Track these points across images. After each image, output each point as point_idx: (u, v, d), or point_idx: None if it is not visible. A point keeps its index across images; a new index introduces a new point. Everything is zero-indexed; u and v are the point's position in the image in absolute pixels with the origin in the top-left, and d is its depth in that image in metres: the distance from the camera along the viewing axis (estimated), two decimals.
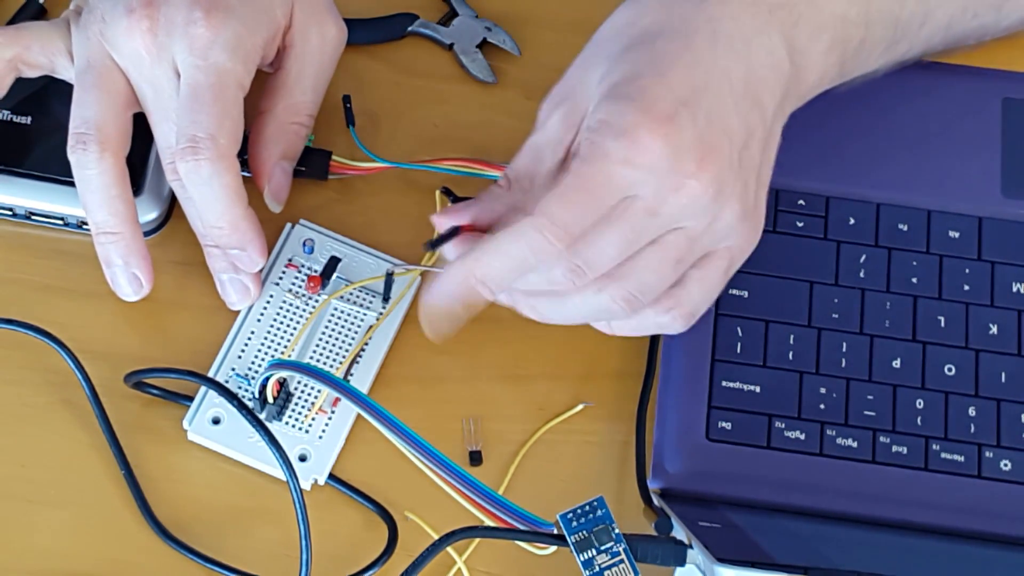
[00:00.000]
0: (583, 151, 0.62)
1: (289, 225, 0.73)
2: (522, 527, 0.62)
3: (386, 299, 0.72)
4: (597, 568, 0.60)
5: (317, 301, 0.72)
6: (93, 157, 0.67)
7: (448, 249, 0.66)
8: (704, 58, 0.64)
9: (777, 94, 0.66)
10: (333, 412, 0.69)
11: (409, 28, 0.79)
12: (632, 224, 0.63)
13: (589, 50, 0.67)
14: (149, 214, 0.72)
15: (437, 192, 0.72)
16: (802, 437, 0.70)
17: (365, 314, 0.72)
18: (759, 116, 0.65)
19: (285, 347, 0.70)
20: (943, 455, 0.70)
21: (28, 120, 0.73)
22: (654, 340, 0.72)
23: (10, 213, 0.72)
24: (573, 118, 0.65)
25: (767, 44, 0.65)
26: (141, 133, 0.70)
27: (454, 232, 0.65)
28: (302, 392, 0.70)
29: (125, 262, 0.69)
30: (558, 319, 0.67)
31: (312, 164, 0.74)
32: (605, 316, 0.67)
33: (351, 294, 0.72)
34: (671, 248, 0.64)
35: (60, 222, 0.72)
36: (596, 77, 0.64)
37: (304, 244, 0.73)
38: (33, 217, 0.72)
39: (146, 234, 0.73)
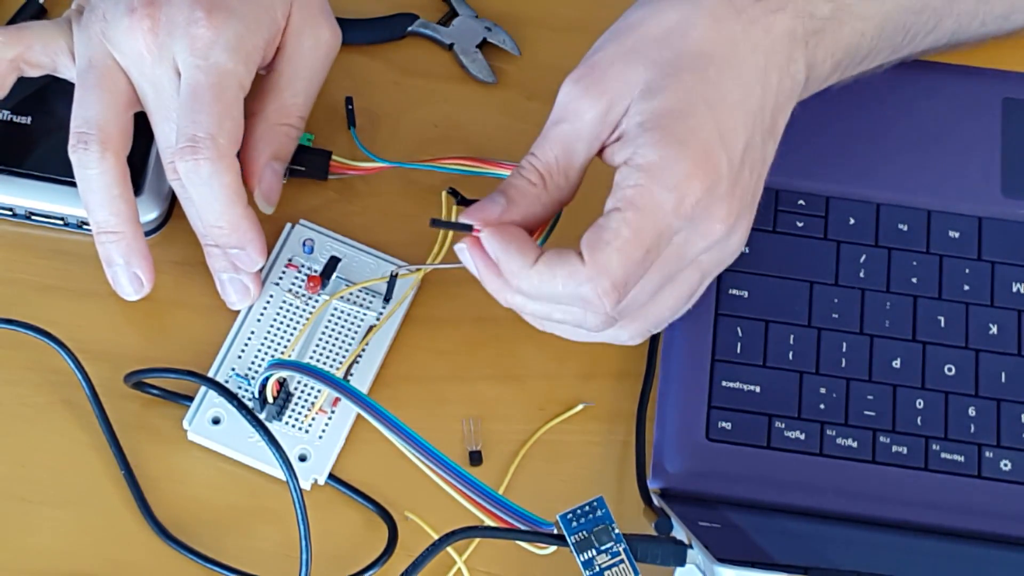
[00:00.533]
0: (634, 197, 0.62)
1: (289, 225, 0.73)
2: (522, 527, 0.62)
3: (387, 299, 0.72)
4: (597, 568, 0.60)
5: (317, 301, 0.72)
6: (95, 157, 0.67)
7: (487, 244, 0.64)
8: (749, 94, 0.64)
9: (788, 115, 0.67)
10: (333, 412, 0.69)
11: (409, 28, 0.79)
12: (662, 270, 0.64)
13: (626, 41, 0.65)
14: (149, 214, 0.72)
15: (443, 193, 0.72)
16: (802, 437, 0.70)
17: (365, 314, 0.72)
18: (773, 145, 0.66)
19: (285, 347, 0.70)
20: (943, 455, 0.70)
21: (28, 120, 0.73)
22: (654, 340, 0.72)
23: (10, 213, 0.72)
24: (611, 117, 0.64)
25: (793, 71, 0.66)
26: (142, 132, 0.70)
27: (468, 228, 0.64)
28: (302, 392, 0.70)
29: (126, 261, 0.69)
30: (564, 336, 0.68)
31: (312, 164, 0.74)
32: (614, 342, 0.68)
33: (351, 294, 0.72)
34: (686, 284, 0.66)
35: (60, 222, 0.72)
36: (639, 79, 0.64)
37: (304, 244, 0.73)
38: (33, 217, 0.72)
39: (146, 234, 0.73)
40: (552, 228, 0.66)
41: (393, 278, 0.71)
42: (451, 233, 0.72)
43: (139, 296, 0.70)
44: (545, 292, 0.63)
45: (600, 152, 0.65)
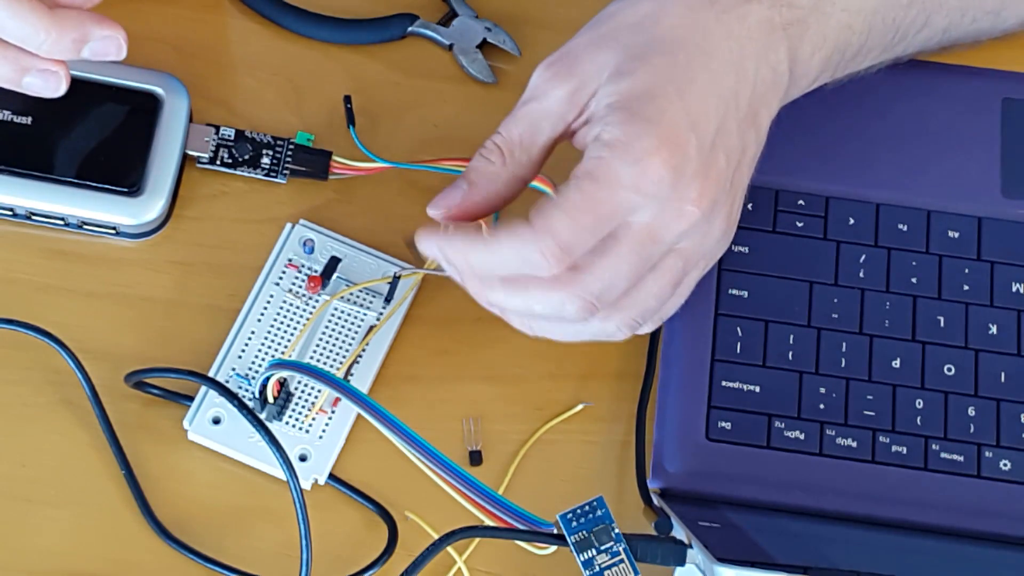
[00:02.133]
0: (592, 168, 0.62)
1: (289, 225, 0.73)
2: (522, 527, 0.62)
3: (389, 300, 0.72)
4: (597, 568, 0.60)
5: (317, 301, 0.72)
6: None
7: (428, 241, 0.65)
8: (720, 80, 0.64)
9: (774, 109, 0.67)
10: (333, 412, 0.69)
11: (409, 28, 0.79)
12: (638, 252, 0.63)
13: (600, 28, 0.65)
14: (149, 214, 0.72)
15: None
16: (802, 437, 0.70)
17: (366, 314, 0.72)
18: (755, 136, 0.66)
19: (285, 347, 0.71)
20: (943, 455, 0.70)
21: (28, 120, 0.73)
22: (654, 340, 0.72)
23: (10, 213, 0.72)
24: (579, 98, 0.64)
25: (774, 61, 0.66)
26: (142, 132, 0.70)
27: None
28: (302, 392, 0.70)
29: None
30: (553, 337, 0.67)
31: (312, 164, 0.74)
32: (602, 338, 0.67)
33: (352, 294, 0.72)
34: (668, 272, 0.65)
35: (60, 222, 0.73)
36: (609, 61, 0.64)
37: (304, 244, 0.73)
38: (33, 217, 0.72)
39: (147, 234, 0.73)
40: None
41: (396, 279, 0.71)
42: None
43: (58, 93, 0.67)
44: (497, 262, 0.63)
45: (571, 137, 0.65)
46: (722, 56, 0.64)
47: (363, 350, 0.71)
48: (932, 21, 0.72)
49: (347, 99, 0.75)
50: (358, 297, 0.72)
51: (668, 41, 0.64)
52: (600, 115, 0.63)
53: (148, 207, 0.72)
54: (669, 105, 0.62)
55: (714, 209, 0.64)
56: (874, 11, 0.69)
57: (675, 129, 0.62)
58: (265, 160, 0.74)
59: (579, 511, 0.61)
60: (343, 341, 0.71)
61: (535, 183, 0.69)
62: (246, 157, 0.74)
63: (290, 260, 0.72)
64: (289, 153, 0.74)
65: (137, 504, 0.68)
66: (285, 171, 0.74)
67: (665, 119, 0.62)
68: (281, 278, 0.72)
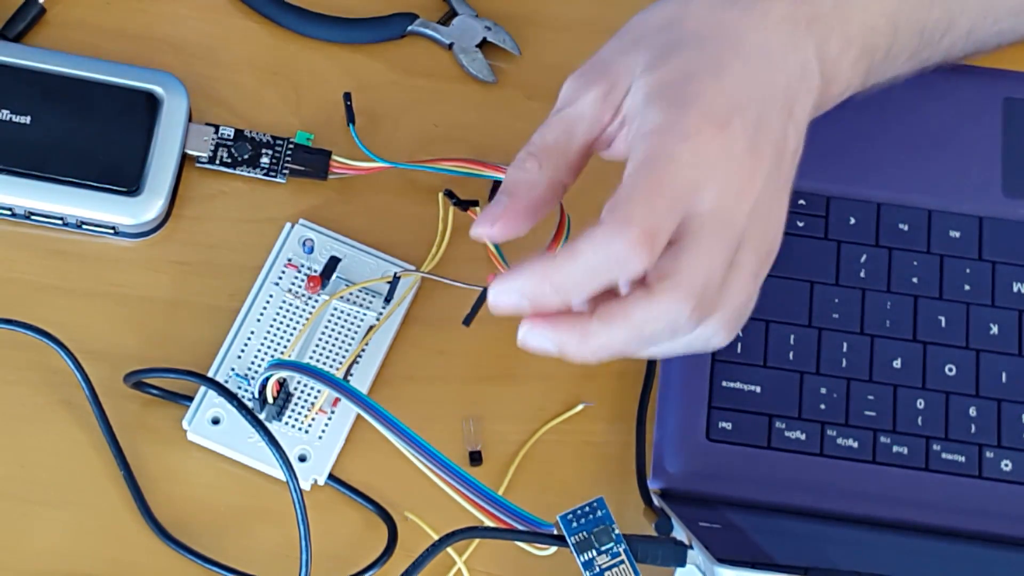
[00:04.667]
0: (645, 154, 0.60)
1: (289, 224, 0.73)
2: (522, 528, 0.62)
3: (388, 300, 0.72)
4: (597, 569, 0.60)
5: (317, 301, 0.72)
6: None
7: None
8: (753, 67, 0.63)
9: (808, 107, 0.66)
10: (333, 412, 0.69)
11: (409, 28, 0.78)
12: (718, 237, 0.61)
13: (627, 36, 0.65)
14: (149, 214, 0.72)
15: (440, 194, 0.72)
16: (802, 437, 0.70)
17: (365, 314, 0.72)
18: (794, 129, 0.65)
19: (285, 347, 0.70)
20: (944, 455, 0.70)
21: (27, 119, 0.73)
22: None
23: (9, 213, 0.72)
24: (613, 98, 0.63)
25: (802, 58, 0.65)
26: (139, 131, 0.70)
27: (483, 295, 0.64)
28: (302, 392, 0.70)
29: None
30: (661, 355, 0.65)
31: (312, 164, 0.74)
32: (704, 347, 0.64)
33: (351, 294, 0.72)
34: (748, 264, 0.62)
35: (60, 222, 0.72)
36: (639, 61, 0.63)
37: (304, 244, 0.73)
38: (32, 217, 0.72)
39: (146, 234, 0.73)
40: (567, 238, 0.66)
41: (396, 279, 0.71)
42: (449, 231, 0.72)
43: None
44: (582, 271, 0.60)
45: (608, 145, 0.64)
46: (751, 47, 0.64)
47: (362, 350, 0.71)
48: (956, 23, 0.72)
49: (347, 96, 0.75)
50: (358, 297, 0.72)
51: (696, 36, 0.64)
52: (637, 109, 0.62)
53: (147, 207, 0.72)
54: (706, 88, 0.62)
55: (768, 191, 0.62)
56: (897, 10, 0.69)
57: (716, 108, 0.61)
58: (264, 159, 0.74)
59: (579, 512, 0.61)
60: (343, 341, 0.71)
61: (495, 173, 0.69)
62: (245, 157, 0.74)
63: (289, 260, 0.72)
64: (288, 152, 0.74)
65: (136, 504, 0.68)
66: (284, 171, 0.74)
67: (704, 100, 0.61)
68: (280, 278, 0.72)
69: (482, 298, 0.65)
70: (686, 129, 0.60)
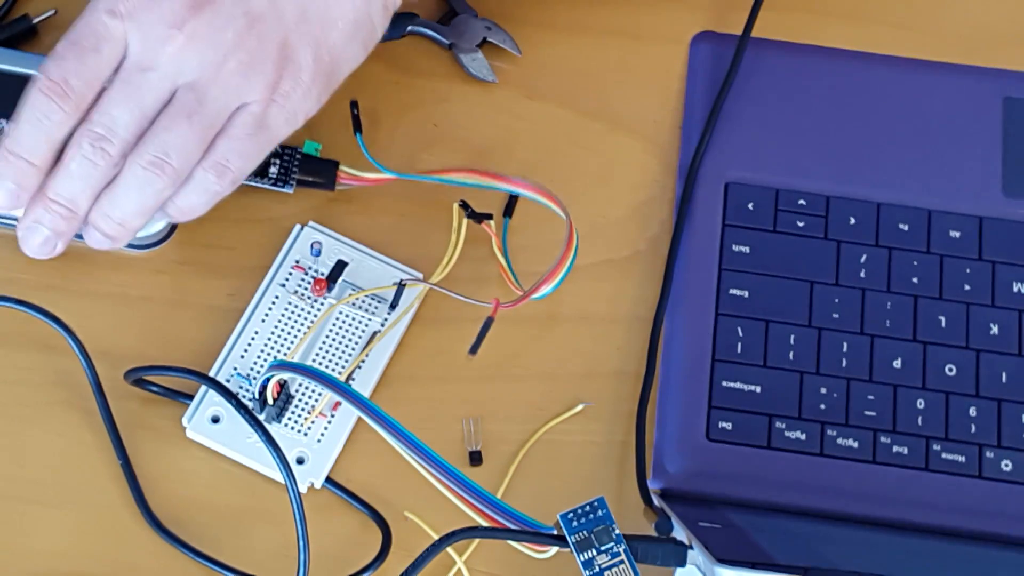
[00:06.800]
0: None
1: (299, 226, 0.73)
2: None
3: (393, 306, 0.72)
4: (597, 568, 0.60)
5: (323, 305, 0.71)
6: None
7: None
8: None
9: None
10: (333, 416, 0.69)
11: (409, 28, 0.78)
12: (129, 80, 0.65)
13: None
14: (157, 225, 0.72)
15: (455, 205, 0.72)
16: (803, 437, 0.70)
17: (370, 320, 0.71)
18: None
19: (288, 349, 0.70)
20: (944, 455, 0.70)
21: None
22: (654, 340, 0.72)
23: (13, 223, 0.72)
24: None
25: None
26: None
27: (489, 323, 0.67)
28: (302, 395, 0.69)
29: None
30: (119, 214, 0.67)
31: (319, 174, 0.73)
32: (155, 195, 0.67)
33: (358, 299, 0.72)
34: (180, 105, 0.66)
35: None
36: None
37: (312, 246, 0.72)
38: None
39: (153, 245, 0.73)
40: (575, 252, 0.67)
41: (401, 286, 0.71)
42: (461, 242, 0.72)
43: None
44: (21, 119, 0.65)
45: None
46: None
47: (366, 356, 0.70)
48: None
49: (353, 104, 0.74)
50: (364, 302, 0.72)
51: None
52: None
53: (151, 222, 0.71)
54: None
55: (217, 42, 0.65)
56: None
57: None
58: (273, 169, 0.74)
59: (580, 511, 0.61)
60: (346, 346, 0.71)
61: (540, 197, 0.69)
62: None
63: (297, 262, 0.72)
64: (296, 163, 0.74)
65: (136, 503, 0.68)
66: (292, 181, 0.74)
67: None
68: (287, 279, 0.72)
69: (487, 326, 0.67)
70: None
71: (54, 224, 0.67)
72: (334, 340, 0.71)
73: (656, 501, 0.68)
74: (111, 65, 0.66)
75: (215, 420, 0.69)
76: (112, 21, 0.65)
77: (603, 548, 0.60)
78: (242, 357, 0.70)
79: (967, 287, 0.73)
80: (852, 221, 0.74)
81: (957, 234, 0.74)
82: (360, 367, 0.70)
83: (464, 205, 0.72)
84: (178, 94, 0.66)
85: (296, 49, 0.67)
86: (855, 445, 0.70)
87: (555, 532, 0.61)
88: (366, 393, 0.70)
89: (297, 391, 0.69)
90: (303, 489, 0.68)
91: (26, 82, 0.66)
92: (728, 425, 0.70)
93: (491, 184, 0.71)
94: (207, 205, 0.68)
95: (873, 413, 0.71)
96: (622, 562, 0.60)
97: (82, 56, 0.65)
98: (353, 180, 0.74)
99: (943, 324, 0.72)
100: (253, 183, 0.73)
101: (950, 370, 0.72)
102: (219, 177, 0.67)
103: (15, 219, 0.69)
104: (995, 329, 0.72)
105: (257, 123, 0.67)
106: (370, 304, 0.72)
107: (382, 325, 0.71)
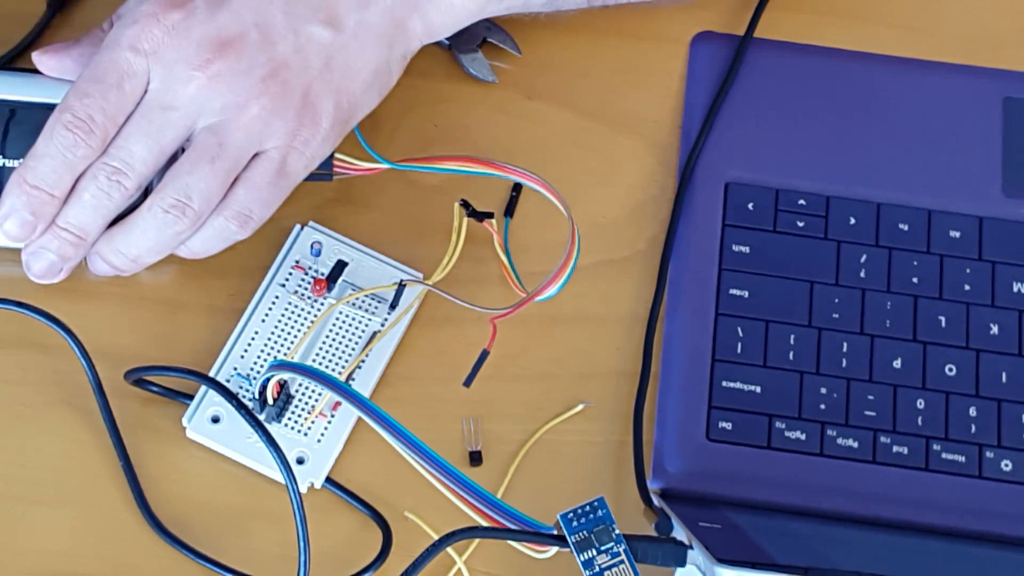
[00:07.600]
0: (105, 43, 0.65)
1: (299, 226, 0.73)
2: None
3: (393, 306, 0.71)
4: (597, 568, 0.60)
5: (323, 304, 0.71)
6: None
7: None
8: None
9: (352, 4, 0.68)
10: (333, 416, 0.69)
11: None
12: (149, 117, 0.65)
13: None
14: None
15: (456, 204, 0.72)
16: (803, 437, 0.70)
17: (370, 320, 0.71)
18: (326, 16, 0.67)
19: (288, 349, 0.70)
20: (944, 455, 0.70)
21: None
22: (649, 340, 0.72)
23: None
24: None
25: None
26: None
27: (484, 356, 0.67)
28: (302, 395, 0.69)
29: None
30: (135, 252, 0.67)
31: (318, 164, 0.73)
32: (173, 237, 0.67)
33: (357, 299, 0.72)
34: (203, 149, 0.65)
35: None
36: None
37: (312, 246, 0.72)
38: None
39: None
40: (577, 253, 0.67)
41: (401, 286, 0.71)
42: (461, 242, 0.72)
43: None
44: (40, 151, 0.65)
45: None
46: None
47: (365, 356, 0.70)
48: None
49: None
50: (364, 302, 0.72)
51: None
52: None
53: None
54: None
55: (240, 85, 0.65)
56: None
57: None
58: None
59: (580, 511, 0.61)
60: (346, 346, 0.71)
61: (541, 189, 0.69)
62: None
63: (297, 262, 0.72)
64: None
65: (136, 503, 0.68)
66: None
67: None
68: (287, 279, 0.72)
69: (482, 359, 0.67)
70: (136, 15, 0.65)
71: (61, 250, 0.67)
72: (334, 340, 0.71)
73: (656, 501, 0.68)
74: (134, 101, 0.65)
75: (215, 420, 0.69)
76: (136, 58, 0.65)
77: (603, 548, 0.60)
78: (242, 357, 0.70)
79: (967, 287, 0.73)
80: (852, 221, 0.74)
81: (957, 234, 0.74)
82: (360, 367, 0.70)
83: (465, 204, 0.71)
84: (200, 135, 0.66)
85: (319, 97, 0.67)
86: (855, 445, 0.70)
87: (555, 532, 0.61)
88: (366, 393, 0.70)
89: (297, 391, 0.69)
90: (303, 489, 0.68)
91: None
92: (728, 425, 0.70)
93: (490, 172, 0.71)
94: (220, 249, 0.69)
95: (873, 413, 0.71)
96: (622, 562, 0.60)
97: (106, 93, 0.65)
98: (348, 168, 0.73)
99: (943, 324, 0.72)
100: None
101: (950, 370, 0.72)
102: (241, 227, 0.68)
103: None
104: (995, 329, 0.72)
105: (277, 171, 0.67)
106: (370, 304, 0.72)
107: (382, 325, 0.71)
